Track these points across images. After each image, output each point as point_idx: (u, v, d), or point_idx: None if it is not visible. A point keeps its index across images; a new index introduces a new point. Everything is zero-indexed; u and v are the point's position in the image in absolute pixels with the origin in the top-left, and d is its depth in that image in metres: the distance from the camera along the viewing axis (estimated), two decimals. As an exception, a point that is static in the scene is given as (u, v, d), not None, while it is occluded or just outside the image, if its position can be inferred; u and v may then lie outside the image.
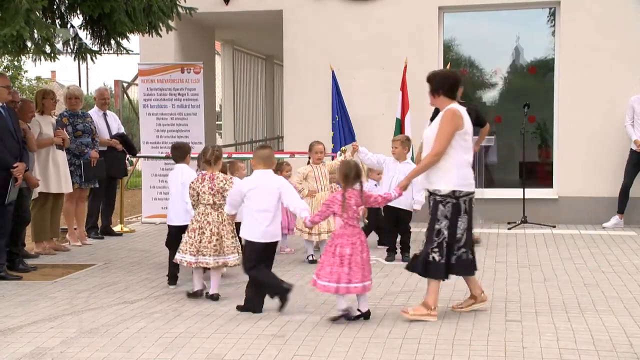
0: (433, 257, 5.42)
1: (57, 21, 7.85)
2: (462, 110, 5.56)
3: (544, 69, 10.83)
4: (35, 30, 6.75)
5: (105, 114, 9.66)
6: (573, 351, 4.63)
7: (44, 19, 7.35)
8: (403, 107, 9.74)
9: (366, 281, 5.37)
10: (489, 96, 11.35)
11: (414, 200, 7.74)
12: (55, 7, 7.79)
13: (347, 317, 5.36)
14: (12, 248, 7.31)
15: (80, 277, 7.12)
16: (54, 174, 8.22)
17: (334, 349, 4.72)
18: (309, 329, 5.18)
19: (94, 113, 9.47)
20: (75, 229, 9.00)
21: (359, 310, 5.42)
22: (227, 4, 11.11)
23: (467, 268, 5.55)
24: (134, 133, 15.82)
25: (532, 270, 7.16)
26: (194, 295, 6.17)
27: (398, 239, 7.89)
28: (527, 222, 9.74)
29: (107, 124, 9.59)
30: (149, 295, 6.32)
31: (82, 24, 7.99)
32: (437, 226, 5.43)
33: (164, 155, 10.42)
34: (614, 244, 8.65)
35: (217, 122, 16.46)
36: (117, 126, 9.80)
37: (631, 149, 9.82)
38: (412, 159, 9.04)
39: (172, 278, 6.65)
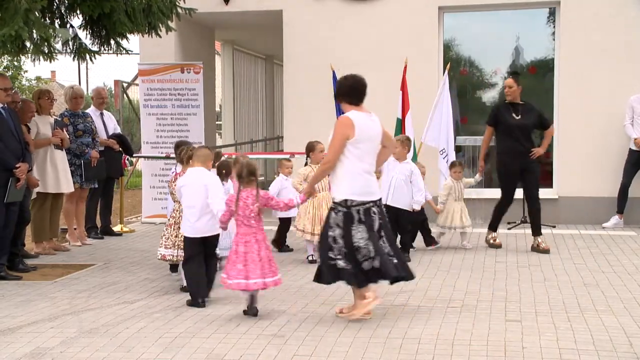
0: (339, 264, 5.35)
1: (57, 21, 7.85)
2: (357, 118, 5.37)
3: (544, 69, 10.83)
4: (34, 30, 6.75)
5: (102, 114, 9.66)
6: (573, 351, 4.63)
7: (43, 19, 7.35)
8: (403, 107, 9.73)
9: (267, 278, 5.43)
10: (489, 96, 11.35)
11: (413, 200, 7.74)
12: (54, 7, 7.79)
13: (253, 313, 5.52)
14: (12, 248, 7.30)
15: (80, 277, 7.12)
16: (51, 173, 8.22)
17: (334, 349, 4.72)
18: (309, 329, 5.18)
19: (91, 113, 9.46)
20: (75, 229, 9.00)
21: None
22: (227, 4, 11.11)
23: (386, 274, 5.40)
24: (134, 133, 15.84)
25: (532, 270, 7.16)
26: (184, 289, 6.25)
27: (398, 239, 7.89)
28: (527, 222, 9.72)
29: (104, 124, 9.58)
30: (149, 295, 6.32)
31: (81, 24, 7.99)
32: (330, 233, 5.38)
33: (164, 155, 10.44)
34: (613, 244, 8.65)
35: (217, 122, 16.46)
36: (113, 126, 9.80)
37: (630, 148, 9.82)
38: (414, 159, 9.05)
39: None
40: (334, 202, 5.41)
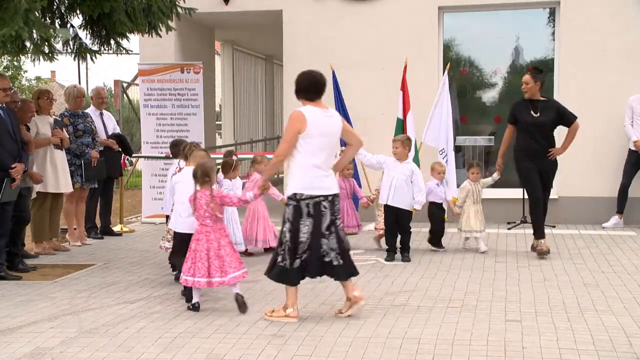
0: (280, 262, 5.42)
1: (57, 21, 7.85)
2: (311, 113, 5.37)
3: (544, 69, 10.81)
4: (34, 30, 6.75)
5: (101, 114, 9.66)
6: (573, 351, 4.63)
7: (43, 19, 7.35)
8: (404, 107, 9.73)
9: (213, 277, 5.56)
10: (489, 96, 11.35)
11: (414, 200, 7.74)
12: (55, 7, 7.78)
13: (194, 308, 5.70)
14: (11, 248, 7.30)
15: (80, 277, 7.12)
16: (51, 173, 8.22)
17: (334, 349, 4.72)
18: (309, 329, 5.18)
19: (91, 112, 9.46)
20: (75, 229, 9.00)
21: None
22: (227, 4, 11.11)
23: (315, 271, 5.46)
24: (134, 133, 15.84)
25: (532, 270, 7.16)
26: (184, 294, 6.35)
27: (398, 239, 7.89)
28: (527, 222, 9.72)
29: (103, 124, 9.58)
30: (149, 295, 6.32)
31: (81, 24, 7.99)
32: (283, 228, 5.44)
33: (163, 155, 10.44)
34: (613, 244, 8.65)
35: (217, 122, 16.47)
36: (112, 126, 9.80)
37: (630, 148, 9.82)
38: (416, 159, 9.05)
39: None
40: (287, 197, 5.47)
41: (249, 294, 6.27)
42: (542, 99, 8.06)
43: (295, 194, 5.38)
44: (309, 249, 5.38)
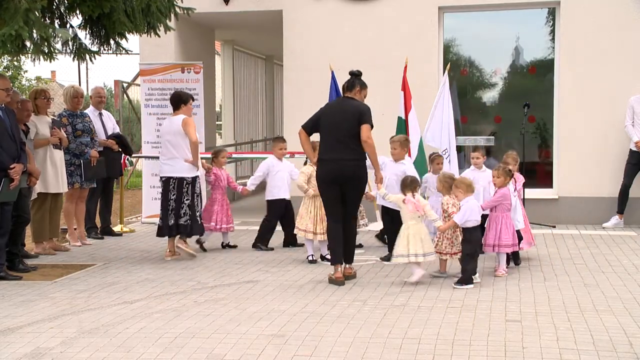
0: None
1: (57, 21, 7.85)
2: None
3: (544, 69, 10.83)
4: (34, 30, 6.75)
5: (100, 114, 9.65)
6: (573, 351, 4.63)
7: (43, 19, 7.35)
8: (406, 106, 9.71)
9: None
10: (489, 96, 11.35)
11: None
12: (54, 7, 7.79)
13: None
14: (11, 248, 7.30)
15: (80, 277, 7.12)
16: (52, 173, 8.22)
17: (334, 349, 4.72)
18: (309, 329, 5.18)
19: (90, 112, 9.46)
20: (75, 229, 9.00)
21: None
22: (227, 4, 11.11)
23: None
24: (134, 133, 15.84)
25: (532, 270, 7.16)
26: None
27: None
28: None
29: (102, 124, 9.57)
30: (149, 295, 6.32)
31: (81, 24, 7.99)
32: None
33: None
34: (614, 244, 8.65)
35: (217, 122, 16.45)
36: (112, 126, 9.79)
37: (631, 149, 9.82)
38: (422, 158, 9.03)
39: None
40: None
41: (249, 293, 6.28)
42: None
43: None
44: None
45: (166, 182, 7.90)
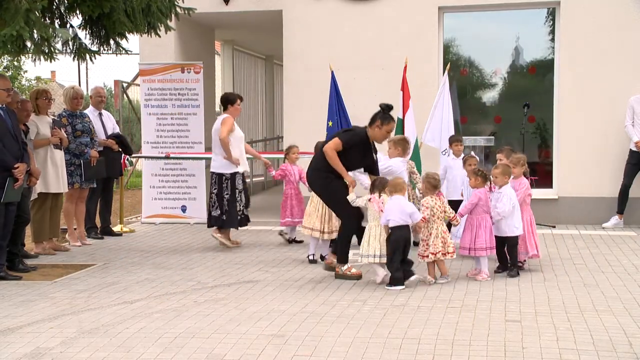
0: None
1: (57, 21, 7.85)
2: None
3: (544, 69, 10.83)
4: (34, 30, 6.75)
5: (100, 114, 9.65)
6: (573, 351, 4.63)
7: (43, 19, 7.35)
8: (404, 106, 9.71)
9: None
10: (489, 96, 11.36)
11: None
12: (54, 7, 7.79)
13: None
14: (11, 248, 7.30)
15: (80, 277, 7.12)
16: (53, 173, 8.22)
17: (334, 349, 4.72)
18: (309, 329, 5.18)
19: (90, 112, 9.46)
20: (75, 229, 9.00)
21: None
22: (227, 4, 11.11)
23: None
24: (134, 133, 15.83)
25: (532, 270, 7.16)
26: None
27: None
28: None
29: (102, 124, 9.57)
30: (149, 295, 6.32)
31: (81, 24, 8.00)
32: None
33: (164, 155, 10.45)
34: (613, 244, 8.65)
35: (217, 122, 16.38)
36: (112, 126, 9.79)
37: (631, 149, 9.82)
38: (417, 157, 9.03)
39: None
40: None
41: (249, 293, 6.28)
42: None
43: None
44: None
45: (211, 177, 8.62)
